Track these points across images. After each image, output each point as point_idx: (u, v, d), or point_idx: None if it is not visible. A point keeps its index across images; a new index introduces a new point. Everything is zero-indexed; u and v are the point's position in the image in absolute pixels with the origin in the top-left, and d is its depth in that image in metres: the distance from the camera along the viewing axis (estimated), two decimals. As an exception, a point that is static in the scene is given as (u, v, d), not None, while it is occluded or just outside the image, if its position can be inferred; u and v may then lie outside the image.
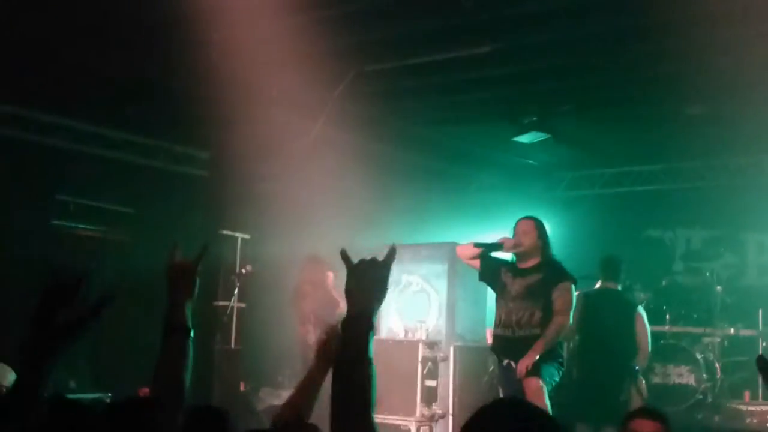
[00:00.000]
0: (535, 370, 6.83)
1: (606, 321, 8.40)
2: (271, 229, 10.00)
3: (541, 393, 6.76)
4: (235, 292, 9.14)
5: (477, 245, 7.46)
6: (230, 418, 3.73)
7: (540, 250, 7.20)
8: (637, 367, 8.25)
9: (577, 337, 8.67)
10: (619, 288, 8.71)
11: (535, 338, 6.93)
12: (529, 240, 7.15)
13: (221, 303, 9.15)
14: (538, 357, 6.79)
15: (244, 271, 9.21)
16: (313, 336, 9.42)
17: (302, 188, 10.96)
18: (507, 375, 7.11)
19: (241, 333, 9.31)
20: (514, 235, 7.24)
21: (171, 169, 10.48)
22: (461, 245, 7.71)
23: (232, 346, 9.25)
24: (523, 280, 7.17)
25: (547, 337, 6.89)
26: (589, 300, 8.31)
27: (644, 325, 8.49)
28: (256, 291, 9.49)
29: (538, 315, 7.01)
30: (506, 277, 7.27)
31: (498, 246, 7.29)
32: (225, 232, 9.32)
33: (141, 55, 8.26)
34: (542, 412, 2.51)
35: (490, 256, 7.38)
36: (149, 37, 7.99)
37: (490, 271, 7.40)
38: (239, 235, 9.43)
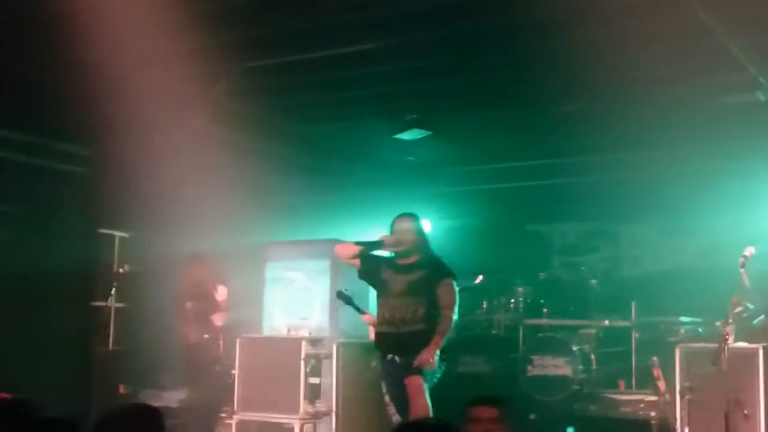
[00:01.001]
0: (418, 369, 6.92)
1: None
2: (151, 227, 9.83)
3: (422, 390, 6.88)
4: (113, 292, 8.96)
5: (357, 243, 7.51)
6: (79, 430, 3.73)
7: (419, 247, 7.29)
8: None
9: None
10: None
11: (421, 333, 7.02)
12: (408, 237, 7.24)
13: (99, 303, 8.96)
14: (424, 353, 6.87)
15: (122, 270, 9.05)
16: (195, 336, 9.32)
17: (182, 186, 10.81)
18: (390, 370, 7.18)
19: (120, 334, 9.14)
20: (393, 233, 7.31)
21: (51, 167, 10.17)
22: (340, 244, 7.76)
23: (111, 347, 9.08)
24: (405, 277, 7.24)
25: (442, 331, 6.97)
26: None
27: None
28: (135, 291, 9.31)
29: (421, 311, 7.09)
30: (387, 274, 7.34)
31: (378, 244, 7.36)
32: (103, 230, 9.13)
33: (18, 51, 8.02)
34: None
35: (370, 255, 7.44)
36: (27, 34, 7.76)
37: (371, 269, 7.46)
38: (117, 233, 9.25)
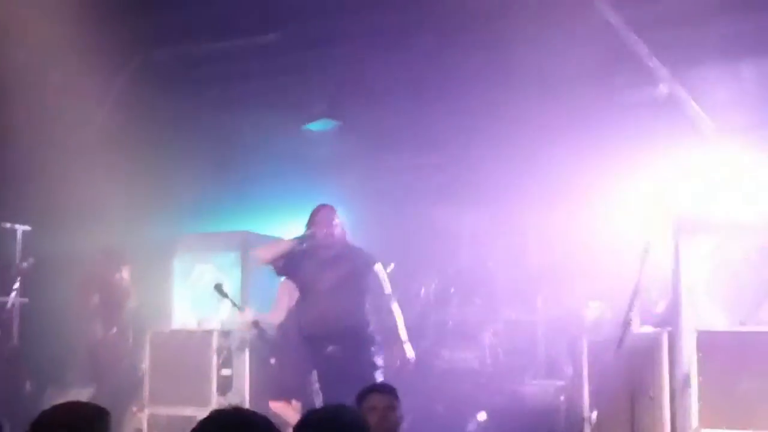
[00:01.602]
0: (373, 365, 7.00)
1: None
2: (54, 220, 9.60)
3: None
4: (16, 286, 8.73)
5: (280, 241, 7.45)
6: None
7: (342, 237, 7.21)
8: None
9: None
10: None
11: (361, 327, 7.02)
12: (338, 228, 7.18)
13: (0, 299, 8.73)
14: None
15: (25, 264, 8.82)
16: (102, 331, 9.12)
17: (86, 178, 10.58)
18: (331, 363, 7.11)
19: (24, 330, 8.91)
20: (314, 224, 7.20)
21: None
22: (264, 248, 7.61)
23: (15, 343, 8.85)
24: (333, 272, 7.15)
25: (402, 322, 7.07)
26: None
27: None
28: (39, 286, 9.07)
29: (358, 303, 7.08)
30: (311, 268, 7.23)
31: (309, 237, 7.23)
32: (4, 224, 8.89)
33: None
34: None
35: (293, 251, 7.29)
36: None
37: (293, 264, 7.34)
38: (19, 227, 9.01)
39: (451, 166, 12.08)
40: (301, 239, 7.28)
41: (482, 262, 11.18)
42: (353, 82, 9.79)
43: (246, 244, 9.71)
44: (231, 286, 9.71)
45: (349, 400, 5.02)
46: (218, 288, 8.51)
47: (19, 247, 8.99)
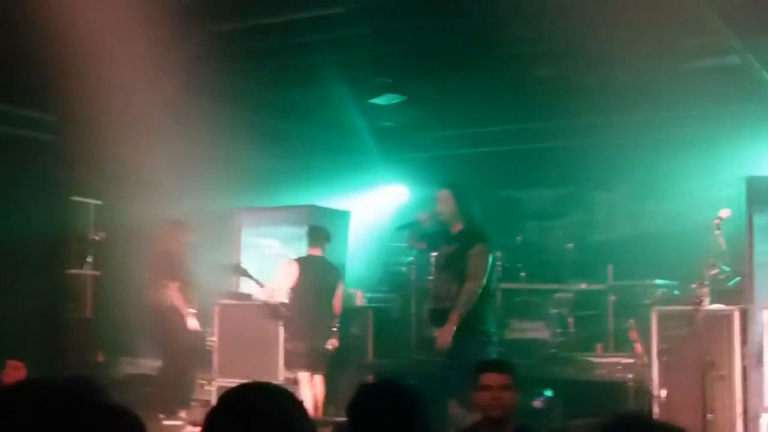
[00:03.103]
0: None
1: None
2: (123, 194, 9.73)
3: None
4: (88, 259, 8.87)
5: (399, 228, 7.91)
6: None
7: (461, 217, 7.19)
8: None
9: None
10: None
11: (448, 311, 6.96)
12: (446, 207, 7.17)
13: (73, 271, 8.87)
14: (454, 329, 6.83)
15: (97, 238, 8.96)
16: (179, 297, 9.14)
17: (153, 152, 10.69)
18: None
19: (95, 302, 9.06)
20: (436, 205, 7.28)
21: (13, 133, 10.00)
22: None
23: (87, 315, 9.00)
24: (447, 249, 7.22)
25: (459, 306, 6.88)
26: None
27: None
28: (110, 258, 9.21)
29: (454, 287, 7.02)
30: (442, 246, 7.35)
31: (417, 224, 7.41)
32: (76, 198, 9.03)
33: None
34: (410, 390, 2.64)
35: (428, 232, 7.42)
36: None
37: (434, 244, 7.50)
38: (91, 201, 9.15)
39: (516, 139, 11.98)
40: (411, 225, 7.57)
41: (550, 235, 11.08)
42: (417, 56, 9.71)
43: (312, 218, 9.74)
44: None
45: None
46: (238, 268, 8.86)
47: (91, 221, 9.12)
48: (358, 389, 3.36)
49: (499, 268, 10.50)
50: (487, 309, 7.18)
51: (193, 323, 9.09)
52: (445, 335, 6.87)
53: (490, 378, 4.95)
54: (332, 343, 8.73)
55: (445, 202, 7.18)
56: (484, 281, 7.01)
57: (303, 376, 8.54)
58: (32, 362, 6.22)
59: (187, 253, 9.34)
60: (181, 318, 9.05)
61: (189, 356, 9.30)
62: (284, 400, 2.50)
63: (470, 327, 6.90)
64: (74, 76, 8.52)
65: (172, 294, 9.01)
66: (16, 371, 6.00)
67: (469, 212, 7.24)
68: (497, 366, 5.15)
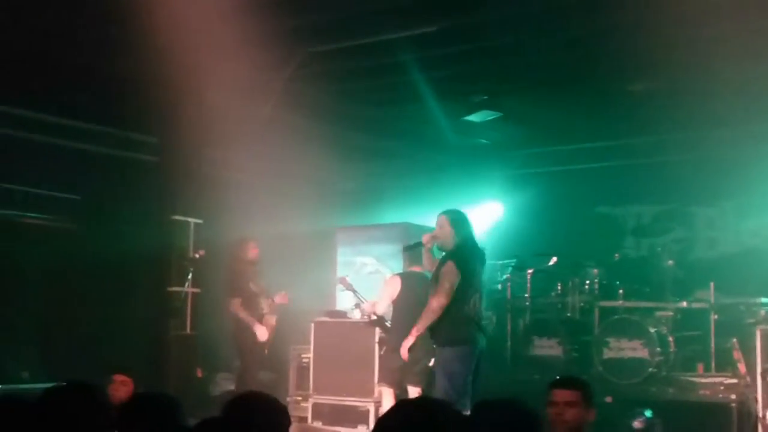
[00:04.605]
0: None
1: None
2: (223, 213, 9.92)
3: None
4: (189, 277, 9.05)
5: (407, 249, 8.31)
6: (180, 406, 3.69)
7: (454, 240, 7.37)
8: None
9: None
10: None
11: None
12: (442, 231, 7.39)
13: (175, 288, 9.07)
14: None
15: (197, 255, 9.13)
16: (243, 311, 9.21)
17: (252, 171, 10.88)
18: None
19: (195, 318, 9.24)
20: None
21: (118, 155, 10.31)
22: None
23: (188, 331, 9.18)
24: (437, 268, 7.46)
25: (418, 322, 7.30)
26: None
27: None
28: (210, 276, 9.39)
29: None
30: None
31: (420, 244, 7.81)
32: (177, 217, 9.24)
33: (85, 40, 8.14)
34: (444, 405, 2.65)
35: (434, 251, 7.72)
36: (92, 23, 7.87)
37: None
38: (191, 220, 9.34)
39: (613, 155, 11.83)
40: (416, 245, 7.98)
41: (650, 252, 10.86)
42: (513, 73, 9.68)
43: (406, 235, 9.77)
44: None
45: None
46: (344, 281, 8.96)
47: (191, 239, 9.32)
48: (474, 406, 3.37)
49: (597, 286, 10.36)
50: (464, 322, 7.24)
51: (261, 333, 9.19)
52: (402, 349, 7.45)
53: (557, 394, 4.94)
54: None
55: (441, 226, 7.40)
56: (450, 297, 7.13)
57: (387, 391, 8.54)
58: (138, 377, 6.39)
59: (253, 269, 9.39)
60: (249, 329, 9.16)
61: (261, 365, 9.43)
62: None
63: (447, 339, 7.19)
64: (176, 99, 8.75)
65: (236, 308, 9.15)
66: (124, 386, 6.17)
67: (463, 236, 7.38)
68: (563, 382, 5.11)
